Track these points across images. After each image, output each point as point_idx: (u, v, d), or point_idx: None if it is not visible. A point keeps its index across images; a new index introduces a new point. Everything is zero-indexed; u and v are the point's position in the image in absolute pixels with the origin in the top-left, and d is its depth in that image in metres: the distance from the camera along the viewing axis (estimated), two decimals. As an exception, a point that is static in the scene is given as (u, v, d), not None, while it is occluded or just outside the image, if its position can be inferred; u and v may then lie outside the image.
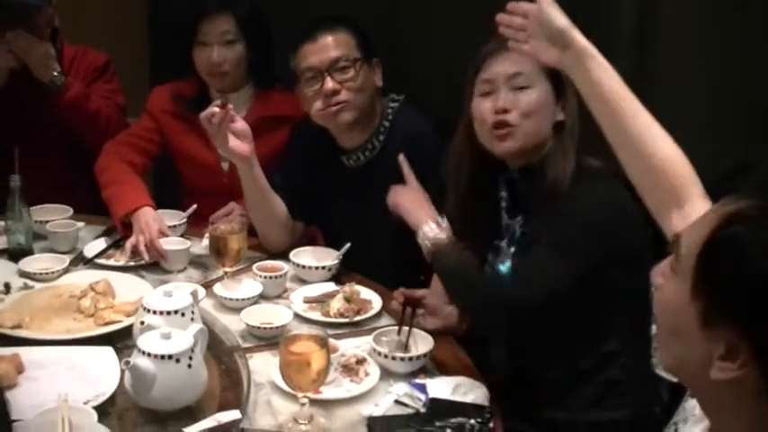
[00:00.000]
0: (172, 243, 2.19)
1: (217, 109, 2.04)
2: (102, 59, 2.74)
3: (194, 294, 1.75)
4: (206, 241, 2.22)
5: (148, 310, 1.65)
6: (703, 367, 0.93)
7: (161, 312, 1.64)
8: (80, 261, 2.17)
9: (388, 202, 1.91)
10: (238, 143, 2.07)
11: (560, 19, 1.52)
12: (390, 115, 2.23)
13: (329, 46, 2.15)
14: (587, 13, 2.51)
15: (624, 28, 2.52)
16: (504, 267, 1.79)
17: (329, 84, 2.13)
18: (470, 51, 2.66)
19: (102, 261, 2.17)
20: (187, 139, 2.55)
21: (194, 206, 2.38)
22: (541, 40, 1.54)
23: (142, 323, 1.62)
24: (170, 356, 1.50)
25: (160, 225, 2.22)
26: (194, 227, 2.39)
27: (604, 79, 1.49)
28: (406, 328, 1.79)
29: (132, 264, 2.17)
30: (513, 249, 1.80)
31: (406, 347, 1.77)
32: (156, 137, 2.56)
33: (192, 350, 1.53)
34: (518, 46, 1.58)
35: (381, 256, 2.19)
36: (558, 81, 1.73)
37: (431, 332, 1.80)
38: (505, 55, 1.74)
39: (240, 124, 2.08)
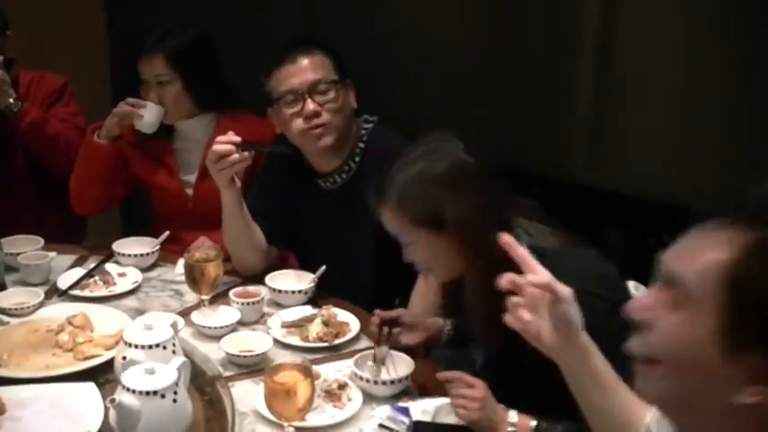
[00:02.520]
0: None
1: (234, 147, 2.04)
2: (59, 82, 2.74)
3: (174, 326, 1.75)
4: (179, 268, 2.23)
5: (130, 345, 1.65)
6: (720, 395, 0.94)
7: (143, 346, 1.64)
8: (54, 293, 2.16)
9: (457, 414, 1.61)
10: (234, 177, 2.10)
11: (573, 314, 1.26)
12: (365, 136, 2.24)
13: (308, 68, 2.16)
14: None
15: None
16: (478, 358, 1.77)
17: (310, 105, 2.14)
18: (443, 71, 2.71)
19: (77, 292, 2.16)
20: (150, 168, 2.58)
21: (167, 233, 2.38)
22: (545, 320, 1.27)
23: (124, 358, 1.62)
24: (155, 392, 1.50)
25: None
26: (165, 251, 2.39)
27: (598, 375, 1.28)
28: (382, 350, 1.80)
29: (108, 294, 2.16)
30: None
31: (383, 364, 1.78)
32: (123, 166, 2.57)
33: (177, 384, 1.54)
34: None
35: (357, 279, 2.21)
36: (432, 216, 1.64)
37: (412, 350, 1.83)
38: (384, 213, 1.72)
39: None
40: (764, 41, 2.30)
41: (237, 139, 2.06)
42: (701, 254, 0.96)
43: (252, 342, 1.89)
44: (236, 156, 2.04)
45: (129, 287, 2.19)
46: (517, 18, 2.73)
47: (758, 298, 0.92)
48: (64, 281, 2.19)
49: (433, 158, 1.67)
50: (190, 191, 2.55)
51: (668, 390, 1.00)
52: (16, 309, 2.02)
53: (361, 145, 2.24)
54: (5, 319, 2.00)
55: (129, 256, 2.31)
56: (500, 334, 1.59)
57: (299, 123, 2.16)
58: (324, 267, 2.14)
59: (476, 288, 1.66)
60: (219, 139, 2.08)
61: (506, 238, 1.33)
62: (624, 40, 2.54)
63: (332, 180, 2.25)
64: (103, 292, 2.17)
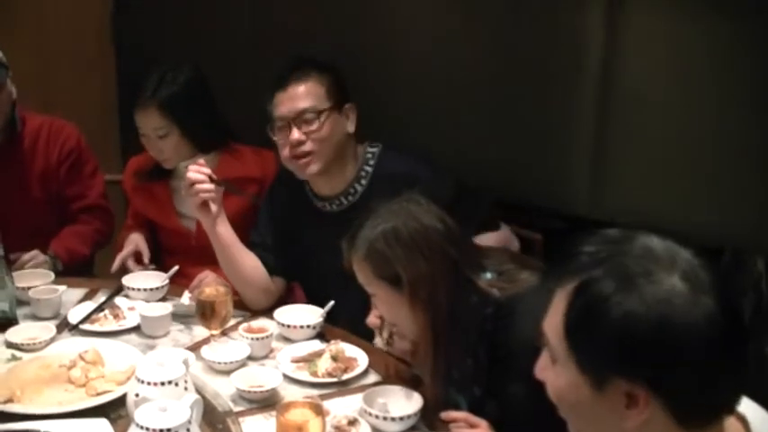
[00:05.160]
0: (152, 310, 2.21)
1: (207, 179, 2.12)
2: (73, 137, 2.74)
3: (186, 363, 1.77)
4: (186, 298, 2.26)
5: (142, 382, 1.67)
6: (619, 423, 1.05)
7: (155, 383, 1.66)
8: (65, 327, 2.18)
9: None
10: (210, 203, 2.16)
11: None
12: (372, 160, 2.29)
13: (298, 96, 2.21)
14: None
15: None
16: (461, 401, 1.76)
17: (295, 135, 2.20)
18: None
19: (86, 326, 2.17)
20: (152, 209, 2.66)
21: (176, 267, 2.41)
22: None
23: (137, 395, 1.65)
24: (168, 430, 1.52)
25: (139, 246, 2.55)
26: (174, 285, 2.41)
27: None
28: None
29: (118, 328, 2.18)
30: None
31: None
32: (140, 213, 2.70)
33: (189, 422, 1.56)
34: None
35: (365, 306, 2.22)
36: (391, 274, 1.73)
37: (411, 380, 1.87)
38: (353, 262, 1.80)
39: None
40: (765, 65, 2.34)
41: (207, 170, 2.15)
42: (552, 315, 1.10)
43: (261, 377, 1.91)
44: (206, 185, 2.12)
45: (139, 321, 2.20)
46: (519, 50, 2.77)
47: (595, 331, 1.04)
48: (74, 315, 2.21)
49: (403, 219, 1.73)
50: (192, 226, 2.60)
51: (580, 427, 1.14)
52: (28, 344, 2.04)
53: (368, 168, 2.28)
54: (18, 354, 2.02)
55: (139, 290, 2.33)
56: (443, 389, 1.74)
57: (285, 151, 2.23)
58: (332, 303, 2.17)
59: (425, 349, 1.76)
60: (192, 167, 2.15)
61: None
62: (627, 69, 2.58)
63: (337, 203, 2.28)
64: (113, 326, 2.19)
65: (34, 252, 2.49)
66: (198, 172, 2.13)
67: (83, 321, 2.18)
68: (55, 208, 2.73)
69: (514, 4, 2.71)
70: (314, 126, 2.20)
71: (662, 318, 1.00)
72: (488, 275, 1.74)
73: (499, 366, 1.70)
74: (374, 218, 1.77)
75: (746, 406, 1.11)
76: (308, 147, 2.20)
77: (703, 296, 1.01)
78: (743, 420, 1.11)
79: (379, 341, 1.90)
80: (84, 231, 2.72)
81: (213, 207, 2.15)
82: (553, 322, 1.10)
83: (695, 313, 1.00)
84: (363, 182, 2.28)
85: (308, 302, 2.29)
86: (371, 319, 1.94)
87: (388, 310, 1.80)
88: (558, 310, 1.09)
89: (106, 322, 2.21)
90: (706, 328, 1.00)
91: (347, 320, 2.20)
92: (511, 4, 2.71)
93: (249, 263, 2.27)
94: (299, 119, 2.20)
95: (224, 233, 2.20)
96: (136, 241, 2.59)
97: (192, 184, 2.13)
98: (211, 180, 2.13)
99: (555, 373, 1.12)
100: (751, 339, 1.06)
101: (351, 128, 2.27)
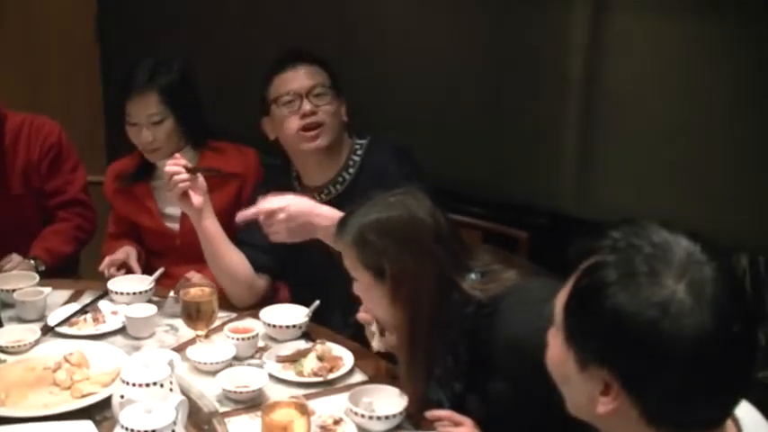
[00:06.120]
0: (137, 311, 2.20)
1: (183, 169, 2.15)
2: (54, 133, 2.73)
3: (171, 364, 1.77)
4: (171, 297, 2.25)
5: (127, 383, 1.67)
6: (592, 405, 1.07)
7: (140, 385, 1.66)
8: (48, 330, 2.16)
9: None
10: (192, 194, 2.18)
11: None
12: (360, 150, 2.34)
13: (306, 75, 2.31)
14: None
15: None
16: (443, 399, 1.76)
17: (307, 106, 2.27)
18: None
19: (65, 329, 2.15)
20: (134, 211, 2.65)
21: (161, 270, 2.40)
22: None
23: (122, 397, 1.65)
24: None
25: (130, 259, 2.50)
26: (159, 286, 2.40)
27: None
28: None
29: (95, 332, 2.16)
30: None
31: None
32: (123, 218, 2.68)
33: (175, 423, 1.56)
34: None
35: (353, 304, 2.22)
36: (376, 265, 1.72)
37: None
38: (340, 245, 1.79)
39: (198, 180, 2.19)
40: (750, 70, 2.35)
41: (183, 161, 2.19)
42: (566, 285, 1.12)
43: (247, 377, 1.91)
44: (183, 176, 2.15)
45: (119, 325, 2.18)
46: (505, 50, 2.78)
47: (585, 316, 1.07)
48: (55, 318, 2.19)
49: (397, 211, 1.73)
50: (176, 226, 2.59)
51: (570, 402, 1.15)
52: (13, 347, 2.03)
53: (355, 158, 2.33)
54: (2, 356, 2.01)
55: (124, 294, 2.31)
56: (421, 385, 1.73)
57: (294, 122, 2.27)
58: (317, 302, 2.17)
59: (400, 343, 1.76)
60: (169, 162, 2.19)
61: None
62: (612, 70, 2.59)
63: (326, 192, 2.32)
64: (91, 329, 2.17)
65: (10, 256, 2.48)
66: (174, 164, 2.17)
67: (60, 324, 2.17)
68: (37, 205, 2.72)
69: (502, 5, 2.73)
70: (325, 100, 2.30)
71: (650, 321, 0.99)
72: (473, 276, 1.74)
73: (480, 364, 1.70)
74: (368, 205, 1.77)
75: (740, 406, 1.10)
76: (319, 117, 2.27)
77: (703, 311, 0.98)
78: (735, 421, 1.11)
79: (376, 343, 1.88)
80: (65, 229, 2.70)
81: (195, 198, 2.17)
82: (563, 292, 1.11)
83: (687, 326, 0.98)
84: (351, 170, 2.32)
85: (293, 302, 2.29)
86: (361, 315, 1.93)
87: (368, 299, 1.80)
88: (570, 282, 1.09)
89: (85, 326, 2.19)
90: (694, 345, 0.98)
91: (335, 318, 2.20)
92: (498, 5, 2.74)
93: (235, 258, 2.28)
94: (311, 93, 2.29)
95: (210, 226, 2.22)
96: (128, 252, 2.54)
97: (171, 177, 2.16)
98: (187, 170, 2.16)
99: (553, 341, 1.13)
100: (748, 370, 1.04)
101: (345, 117, 2.35)
